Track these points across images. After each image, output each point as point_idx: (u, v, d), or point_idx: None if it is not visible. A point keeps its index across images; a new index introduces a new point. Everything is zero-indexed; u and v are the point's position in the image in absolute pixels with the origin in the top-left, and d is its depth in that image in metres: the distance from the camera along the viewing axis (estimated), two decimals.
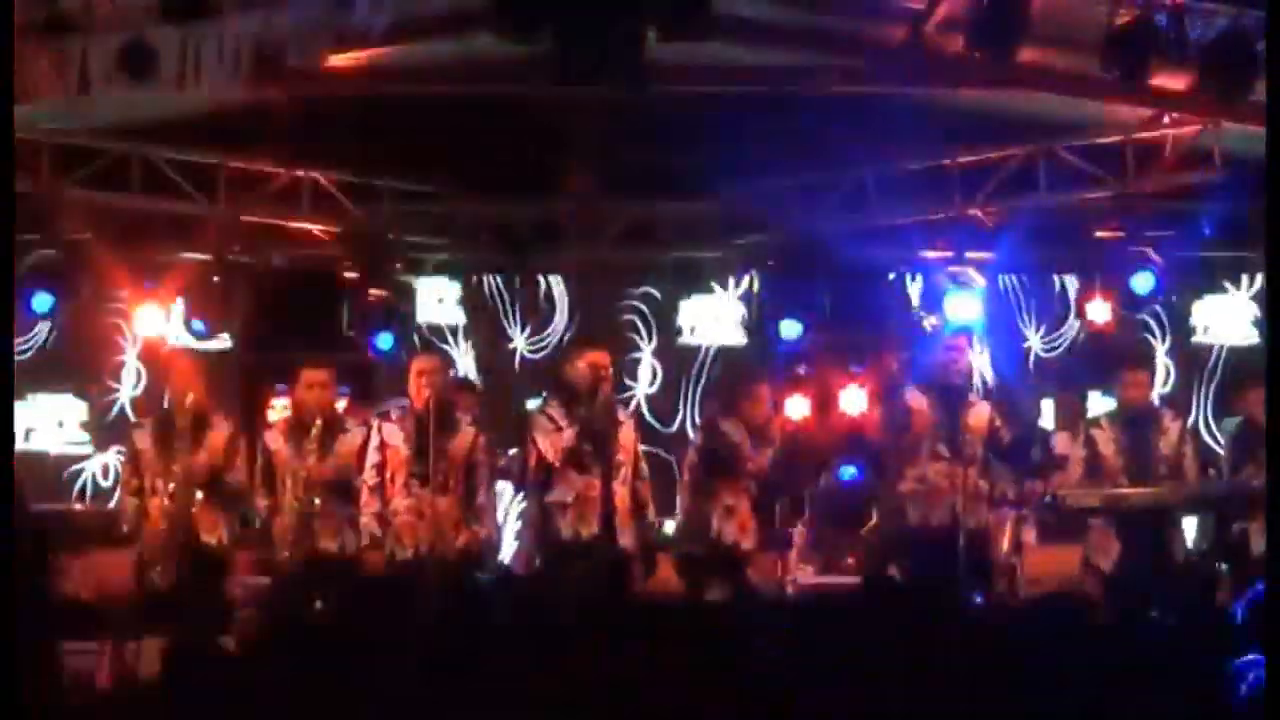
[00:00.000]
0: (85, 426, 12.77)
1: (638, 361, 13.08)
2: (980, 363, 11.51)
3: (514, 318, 13.15)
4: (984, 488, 9.45)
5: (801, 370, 12.16)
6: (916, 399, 9.64)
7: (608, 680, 4.76)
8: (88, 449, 12.73)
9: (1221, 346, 12.94)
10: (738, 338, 13.10)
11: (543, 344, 13.04)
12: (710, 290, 13.06)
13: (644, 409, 12.89)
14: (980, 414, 9.54)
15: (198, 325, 11.90)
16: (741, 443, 9.77)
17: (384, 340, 11.94)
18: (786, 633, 5.37)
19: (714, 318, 13.15)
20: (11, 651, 4.91)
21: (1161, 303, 12.02)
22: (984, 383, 11.00)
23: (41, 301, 11.69)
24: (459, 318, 13.04)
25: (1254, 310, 12.85)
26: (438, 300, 12.95)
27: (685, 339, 13.14)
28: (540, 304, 13.13)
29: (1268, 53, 8.65)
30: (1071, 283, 12.89)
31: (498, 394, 12.40)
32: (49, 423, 12.69)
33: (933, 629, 5.14)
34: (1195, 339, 12.95)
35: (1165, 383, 12.71)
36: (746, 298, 12.96)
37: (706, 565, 9.66)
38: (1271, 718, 4.11)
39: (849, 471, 11.72)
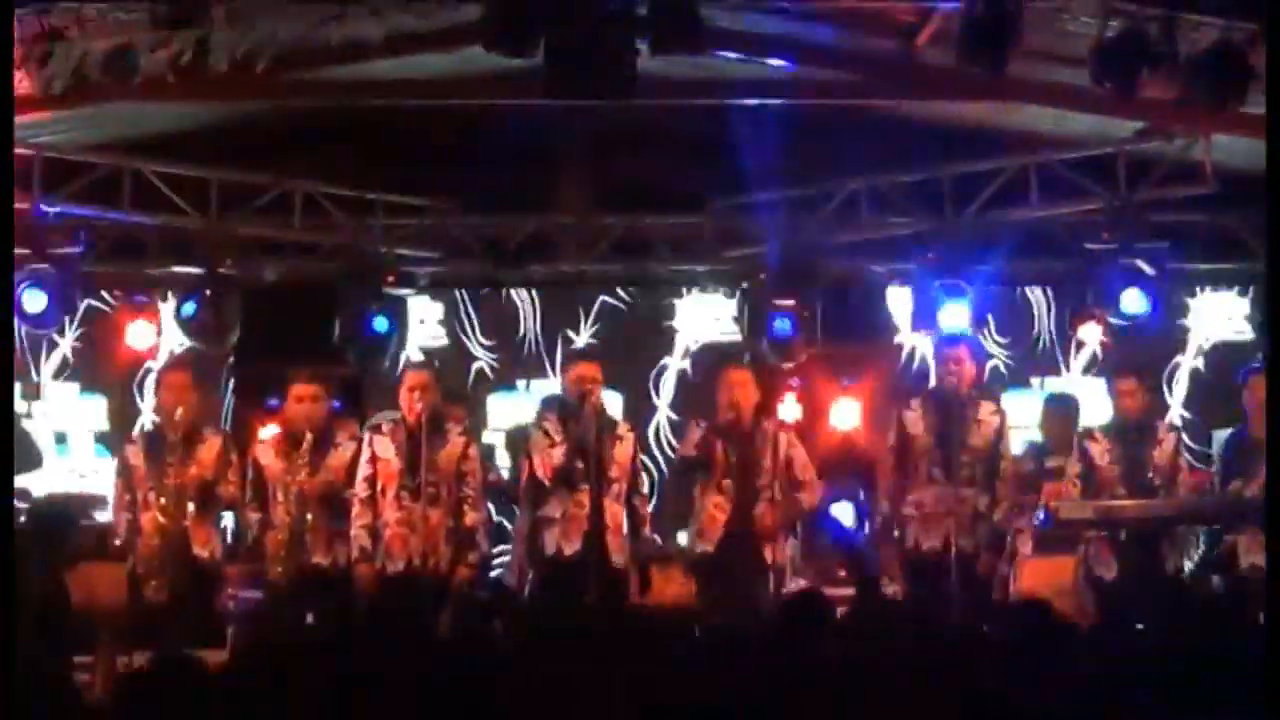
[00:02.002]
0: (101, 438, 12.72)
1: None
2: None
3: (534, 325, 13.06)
4: (982, 507, 9.51)
5: (794, 383, 12.11)
6: (914, 422, 9.66)
7: (600, 696, 4.75)
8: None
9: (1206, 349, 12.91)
10: None
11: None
12: None
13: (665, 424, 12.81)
14: (985, 433, 9.60)
15: (188, 308, 11.76)
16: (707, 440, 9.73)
17: (379, 322, 11.82)
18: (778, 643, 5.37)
19: None
20: (12, 656, 4.89)
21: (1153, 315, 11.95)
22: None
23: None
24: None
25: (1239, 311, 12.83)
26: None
27: None
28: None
29: (1268, 56, 8.64)
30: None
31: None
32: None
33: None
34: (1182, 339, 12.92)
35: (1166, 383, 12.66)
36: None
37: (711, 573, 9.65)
38: (1272, 717, 4.12)
39: (842, 518, 11.66)
